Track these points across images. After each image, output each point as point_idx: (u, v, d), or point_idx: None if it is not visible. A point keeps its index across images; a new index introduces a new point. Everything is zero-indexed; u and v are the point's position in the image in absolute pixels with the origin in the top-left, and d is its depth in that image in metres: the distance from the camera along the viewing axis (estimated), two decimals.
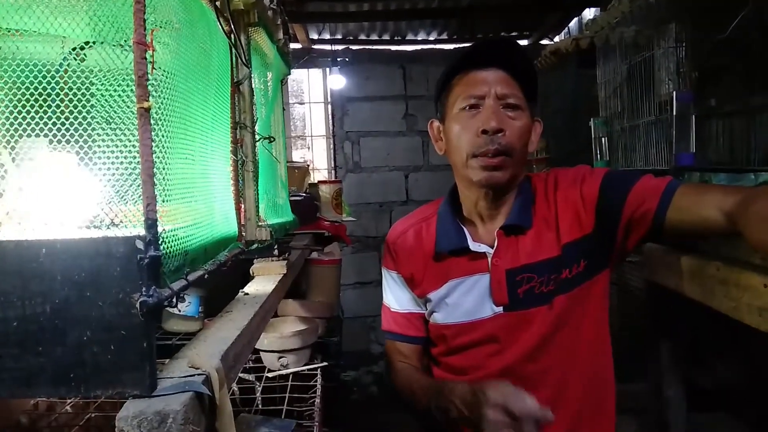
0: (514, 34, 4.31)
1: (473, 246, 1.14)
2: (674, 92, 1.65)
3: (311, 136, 4.69)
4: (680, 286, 1.39)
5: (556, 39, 4.16)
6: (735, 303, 1.15)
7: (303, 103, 4.73)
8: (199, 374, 0.66)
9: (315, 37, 4.22)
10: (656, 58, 1.75)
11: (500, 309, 1.11)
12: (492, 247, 1.13)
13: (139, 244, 0.60)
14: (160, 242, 0.62)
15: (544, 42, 4.23)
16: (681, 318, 1.66)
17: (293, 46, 3.47)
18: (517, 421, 0.88)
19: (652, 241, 1.33)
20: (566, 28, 4.05)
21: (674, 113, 1.62)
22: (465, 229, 1.17)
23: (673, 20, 1.70)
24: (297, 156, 4.58)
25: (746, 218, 0.86)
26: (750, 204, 0.86)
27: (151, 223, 0.61)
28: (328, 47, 4.29)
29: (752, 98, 1.47)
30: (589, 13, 3.59)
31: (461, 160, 1.11)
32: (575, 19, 3.86)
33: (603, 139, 2.12)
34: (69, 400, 1.39)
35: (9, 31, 0.65)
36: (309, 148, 4.72)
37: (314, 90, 4.66)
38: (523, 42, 4.38)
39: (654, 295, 1.68)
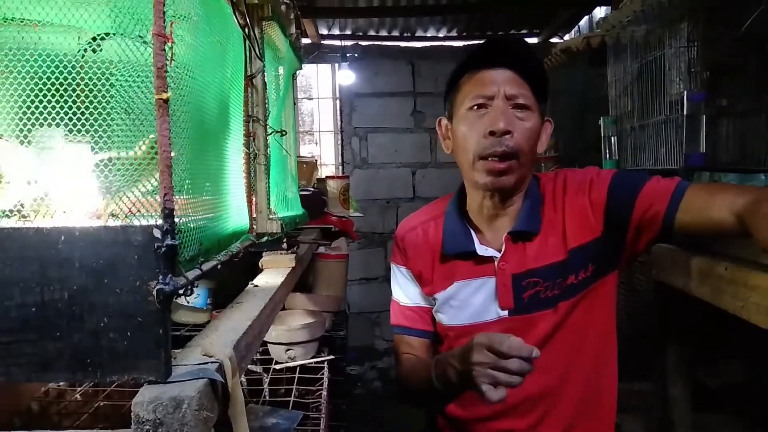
0: (524, 31, 4.30)
1: (480, 250, 1.14)
2: (685, 92, 1.64)
3: (319, 131, 4.70)
4: (688, 285, 1.39)
5: (567, 37, 4.15)
6: (743, 303, 1.15)
7: (311, 99, 4.73)
8: (212, 362, 0.67)
9: (324, 32, 4.23)
10: (667, 57, 1.74)
11: (505, 313, 1.11)
12: (499, 251, 1.13)
13: (156, 233, 0.61)
14: (176, 232, 0.63)
15: (555, 40, 4.22)
16: (687, 317, 1.66)
17: (303, 41, 3.48)
18: (504, 359, 0.87)
19: (662, 242, 1.33)
20: (577, 27, 4.04)
21: (685, 113, 1.62)
22: (472, 232, 1.17)
23: (684, 19, 1.70)
24: (305, 151, 4.59)
25: (757, 220, 0.86)
26: (761, 205, 0.87)
27: (168, 213, 0.62)
28: (337, 42, 4.30)
29: (764, 98, 1.47)
30: (600, 12, 3.57)
31: (468, 162, 1.10)
32: (586, 18, 3.85)
33: (613, 138, 2.11)
34: (79, 388, 1.41)
35: (31, 22, 0.66)
36: (317, 143, 4.73)
37: (323, 85, 4.67)
38: (533, 39, 4.37)
39: (661, 294, 1.68)
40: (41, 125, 0.65)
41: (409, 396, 1.20)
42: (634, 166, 1.95)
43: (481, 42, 1.13)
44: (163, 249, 0.61)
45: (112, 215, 0.65)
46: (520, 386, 1.10)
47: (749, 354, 1.85)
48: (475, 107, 1.08)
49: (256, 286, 1.18)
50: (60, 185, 0.70)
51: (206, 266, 0.74)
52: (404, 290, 1.25)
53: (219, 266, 0.80)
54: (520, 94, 1.07)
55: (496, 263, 1.12)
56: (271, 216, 1.14)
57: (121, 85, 0.65)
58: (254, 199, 1.10)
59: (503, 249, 1.12)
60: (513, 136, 1.05)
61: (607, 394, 1.16)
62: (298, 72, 1.71)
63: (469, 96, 1.09)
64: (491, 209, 1.14)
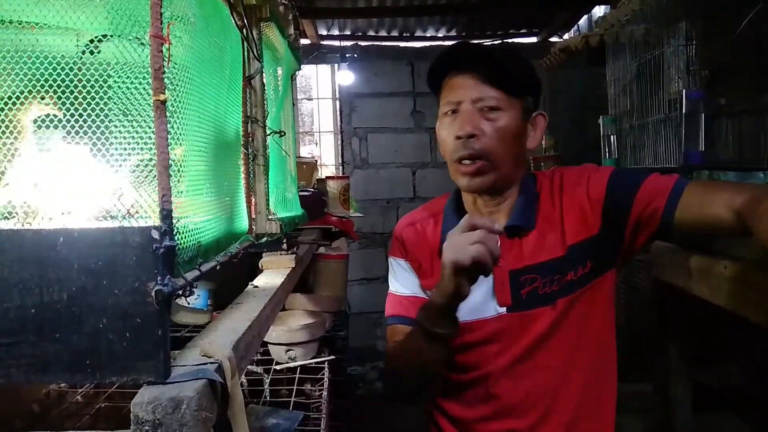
0: (523, 30, 4.30)
1: None
2: (684, 90, 1.64)
3: (319, 131, 4.70)
4: (688, 284, 1.39)
5: (566, 36, 4.15)
6: (742, 302, 1.16)
7: (311, 99, 4.73)
8: (211, 363, 0.67)
9: (324, 32, 4.23)
10: (666, 56, 1.75)
11: (503, 310, 1.11)
12: None
13: (155, 235, 0.61)
14: (174, 233, 0.63)
15: (554, 39, 4.22)
16: (688, 317, 1.66)
17: (302, 41, 3.48)
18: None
19: (660, 239, 1.33)
20: (576, 26, 4.04)
21: (684, 111, 1.62)
22: None
23: (683, 18, 1.70)
24: (305, 152, 4.59)
25: (756, 217, 0.86)
26: (760, 202, 0.87)
27: (166, 214, 0.62)
28: (336, 43, 4.30)
29: (762, 96, 1.47)
30: (599, 11, 3.57)
31: (449, 165, 1.14)
32: (585, 17, 3.85)
33: (612, 137, 2.11)
34: (80, 390, 1.41)
35: (29, 24, 0.66)
36: (317, 143, 4.73)
37: (322, 86, 4.67)
38: (532, 39, 4.38)
39: (661, 293, 1.68)
40: (39, 127, 0.65)
41: (396, 378, 1.19)
42: (633, 164, 1.96)
43: (445, 48, 1.15)
44: (162, 250, 0.61)
45: (129, 214, 0.65)
46: (521, 385, 1.11)
47: (749, 354, 1.85)
48: (450, 112, 1.12)
49: (256, 286, 1.19)
50: (59, 186, 0.70)
51: (205, 267, 0.74)
52: (401, 281, 1.24)
53: (218, 267, 0.80)
54: (487, 96, 1.08)
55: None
56: (270, 217, 1.14)
57: (119, 86, 0.65)
58: (253, 199, 1.10)
59: (498, 245, 1.12)
60: (479, 139, 1.07)
61: (607, 393, 1.16)
62: (297, 72, 1.71)
63: (444, 102, 1.13)
64: (483, 206, 1.16)
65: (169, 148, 0.62)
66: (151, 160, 0.64)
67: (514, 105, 1.10)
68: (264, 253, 1.42)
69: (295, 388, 1.67)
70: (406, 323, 1.19)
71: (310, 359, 1.85)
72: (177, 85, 0.67)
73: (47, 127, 0.66)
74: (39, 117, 0.67)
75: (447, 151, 1.13)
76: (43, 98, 0.65)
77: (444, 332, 1.00)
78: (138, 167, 0.66)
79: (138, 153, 0.66)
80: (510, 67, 1.12)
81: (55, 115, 0.66)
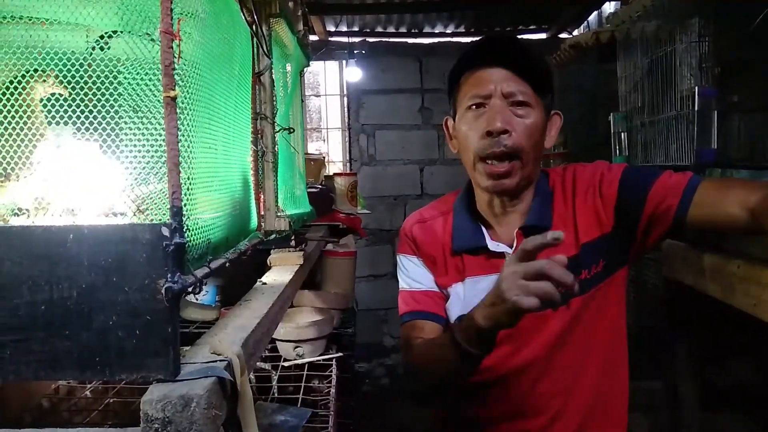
0: (532, 27, 4.28)
1: (492, 246, 1.12)
2: (696, 87, 1.62)
3: (327, 128, 4.70)
4: (700, 283, 1.38)
5: (576, 33, 4.12)
6: (755, 301, 1.14)
7: (319, 96, 4.73)
8: (221, 360, 0.67)
9: (332, 29, 4.22)
10: (678, 53, 1.73)
11: None
12: (511, 246, 1.12)
13: (165, 232, 0.60)
14: (184, 230, 0.63)
15: (563, 35, 4.19)
16: (697, 315, 1.65)
17: (311, 38, 3.48)
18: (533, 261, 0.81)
19: (672, 237, 1.32)
20: (585, 22, 4.01)
21: (696, 109, 1.60)
22: (483, 228, 1.15)
23: (695, 14, 1.68)
24: (312, 148, 4.59)
25: None
26: None
27: (176, 211, 0.61)
28: (344, 39, 4.29)
29: None
30: (609, 7, 3.55)
31: (470, 162, 1.10)
32: (595, 13, 3.82)
33: (622, 134, 2.09)
34: (89, 385, 1.42)
35: (39, 21, 0.66)
36: (324, 140, 4.73)
37: (330, 82, 4.66)
38: (542, 35, 4.35)
39: (671, 291, 1.67)
40: (50, 123, 0.65)
41: (420, 380, 1.16)
42: (644, 162, 1.94)
43: (476, 40, 1.12)
44: (172, 247, 0.60)
45: (140, 211, 0.65)
46: (534, 387, 1.10)
47: (758, 353, 1.83)
48: (474, 107, 1.07)
49: (265, 283, 1.18)
50: (69, 183, 0.70)
51: (214, 264, 0.74)
52: (415, 277, 1.20)
53: (227, 264, 0.79)
54: (518, 91, 1.05)
55: (507, 259, 1.11)
56: (279, 213, 1.14)
57: (128, 83, 0.65)
58: (262, 196, 1.10)
59: (515, 245, 1.11)
60: (511, 135, 1.04)
61: (618, 392, 1.16)
62: (305, 69, 1.71)
63: (468, 95, 1.08)
64: (500, 206, 1.13)
65: (179, 144, 0.62)
66: (161, 156, 0.64)
67: (539, 102, 1.07)
68: (272, 250, 1.42)
69: (303, 385, 1.68)
70: (426, 318, 1.17)
71: (318, 356, 1.85)
72: (187, 81, 0.67)
73: (57, 123, 0.66)
74: (45, 97, 0.67)
75: (469, 148, 1.08)
76: (44, 81, 0.65)
77: (480, 353, 0.95)
78: (148, 164, 0.66)
79: (148, 150, 0.66)
80: (538, 62, 1.10)
81: (60, 94, 0.65)
